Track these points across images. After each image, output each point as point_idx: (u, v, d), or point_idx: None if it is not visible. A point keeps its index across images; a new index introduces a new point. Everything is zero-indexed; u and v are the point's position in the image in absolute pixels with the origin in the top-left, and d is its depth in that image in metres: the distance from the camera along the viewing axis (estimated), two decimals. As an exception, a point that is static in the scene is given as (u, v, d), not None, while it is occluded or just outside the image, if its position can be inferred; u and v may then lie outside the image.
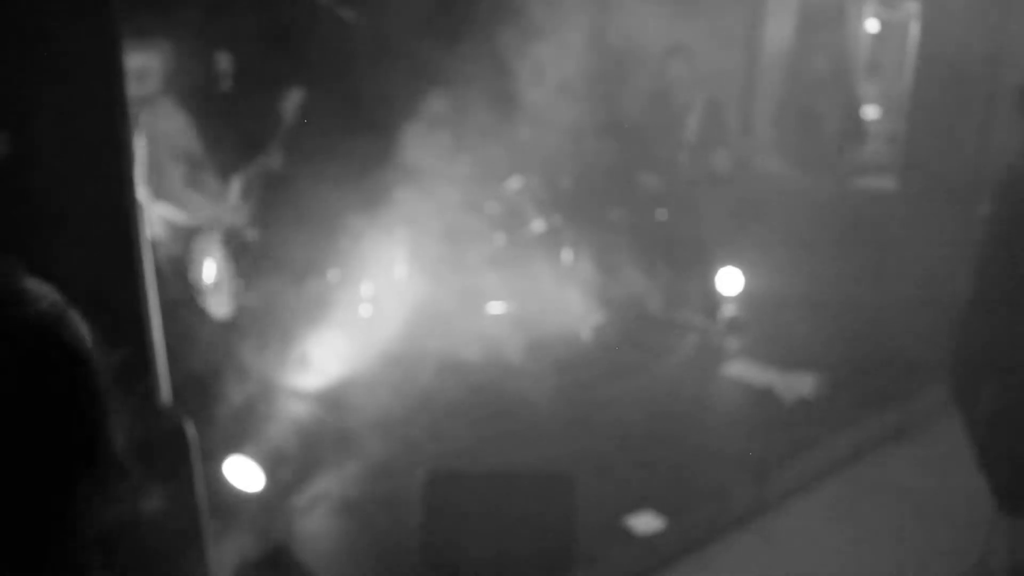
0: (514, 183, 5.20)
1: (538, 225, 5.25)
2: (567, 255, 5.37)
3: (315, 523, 3.66)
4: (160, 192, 3.80)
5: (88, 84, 1.88)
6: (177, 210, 3.87)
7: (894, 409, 4.63)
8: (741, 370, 5.04)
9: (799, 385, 4.75)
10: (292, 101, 4.12)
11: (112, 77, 1.92)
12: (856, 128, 6.79)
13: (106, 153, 1.94)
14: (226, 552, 3.11)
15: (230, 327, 3.91)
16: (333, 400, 4.07)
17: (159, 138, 3.76)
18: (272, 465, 3.53)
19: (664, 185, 5.41)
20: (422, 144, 4.55)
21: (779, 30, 6.84)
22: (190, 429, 2.46)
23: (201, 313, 3.90)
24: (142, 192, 2.01)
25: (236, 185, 4.00)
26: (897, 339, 4.91)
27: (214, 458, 3.38)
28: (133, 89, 2.12)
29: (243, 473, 3.48)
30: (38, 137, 1.83)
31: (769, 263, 5.48)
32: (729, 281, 5.48)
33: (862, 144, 6.93)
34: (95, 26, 1.85)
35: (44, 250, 1.85)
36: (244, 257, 3.99)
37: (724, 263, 5.47)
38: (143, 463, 0.95)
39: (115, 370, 0.98)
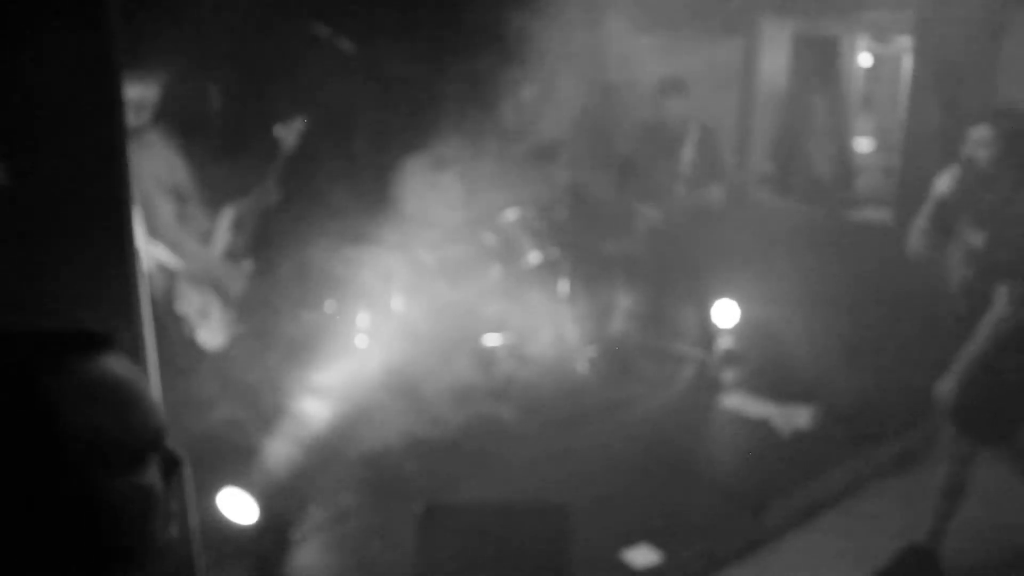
0: (510, 214, 5.21)
1: (534, 257, 5.26)
2: (563, 287, 5.37)
3: (310, 555, 3.63)
4: (148, 229, 3.63)
5: (86, 106, 1.89)
6: (164, 247, 3.71)
7: (892, 441, 4.62)
8: (738, 402, 5.03)
9: (796, 417, 4.74)
10: (292, 132, 4.05)
11: (110, 99, 1.92)
12: (846, 163, 6.85)
13: (104, 179, 1.94)
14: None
15: (222, 358, 3.88)
16: (330, 431, 4.05)
17: (145, 171, 3.54)
18: (266, 497, 3.50)
19: (663, 217, 5.42)
20: (419, 177, 4.56)
21: (773, 65, 6.91)
22: (183, 461, 2.44)
23: (190, 345, 3.84)
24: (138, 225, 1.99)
25: (227, 218, 3.92)
26: (894, 371, 4.90)
27: (207, 490, 3.35)
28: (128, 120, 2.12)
29: (237, 506, 3.45)
30: (35, 162, 1.83)
31: (765, 295, 5.48)
32: (725, 313, 5.48)
33: (851, 179, 6.99)
34: (92, 47, 1.86)
35: (39, 277, 1.86)
36: (234, 287, 3.95)
37: (720, 295, 5.48)
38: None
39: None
